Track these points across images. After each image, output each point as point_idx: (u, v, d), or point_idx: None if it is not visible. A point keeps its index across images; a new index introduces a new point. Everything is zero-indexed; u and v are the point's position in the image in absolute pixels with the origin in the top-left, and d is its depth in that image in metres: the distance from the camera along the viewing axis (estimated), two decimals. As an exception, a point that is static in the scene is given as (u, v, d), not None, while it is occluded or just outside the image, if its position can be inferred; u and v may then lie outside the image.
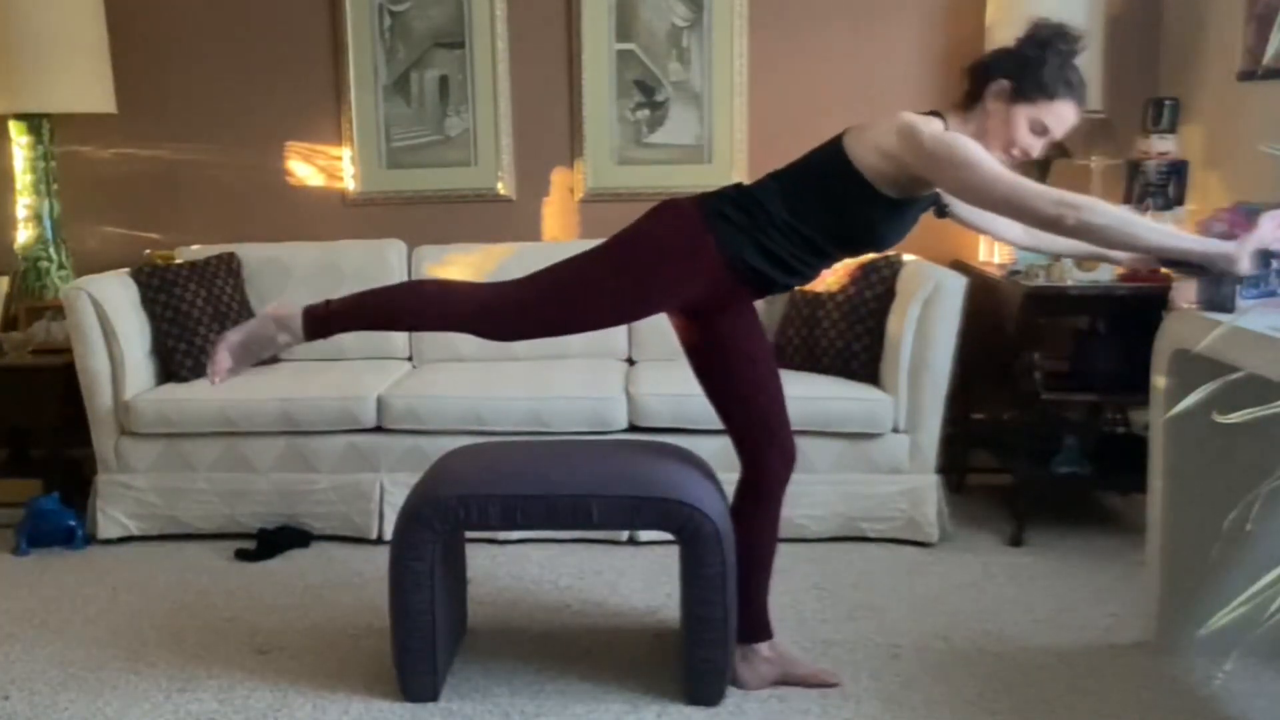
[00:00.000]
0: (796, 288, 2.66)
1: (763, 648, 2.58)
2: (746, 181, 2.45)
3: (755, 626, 2.58)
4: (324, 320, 2.44)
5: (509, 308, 2.39)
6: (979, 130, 2.28)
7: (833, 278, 3.64)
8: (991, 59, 2.32)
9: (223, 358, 2.44)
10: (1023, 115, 2.25)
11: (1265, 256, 2.15)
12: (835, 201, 2.29)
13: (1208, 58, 3.64)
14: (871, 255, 3.66)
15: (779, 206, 2.31)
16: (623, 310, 2.50)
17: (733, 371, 2.49)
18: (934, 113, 2.34)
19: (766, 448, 2.50)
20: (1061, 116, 2.26)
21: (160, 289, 3.73)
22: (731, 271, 2.34)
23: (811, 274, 2.43)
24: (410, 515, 2.47)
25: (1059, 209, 2.10)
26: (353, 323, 2.48)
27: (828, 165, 2.31)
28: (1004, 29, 3.75)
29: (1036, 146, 2.29)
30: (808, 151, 2.38)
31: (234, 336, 2.46)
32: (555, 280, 2.40)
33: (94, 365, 3.56)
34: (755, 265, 2.34)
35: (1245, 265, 2.11)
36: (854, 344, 3.54)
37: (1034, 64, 2.24)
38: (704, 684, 2.48)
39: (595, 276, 2.39)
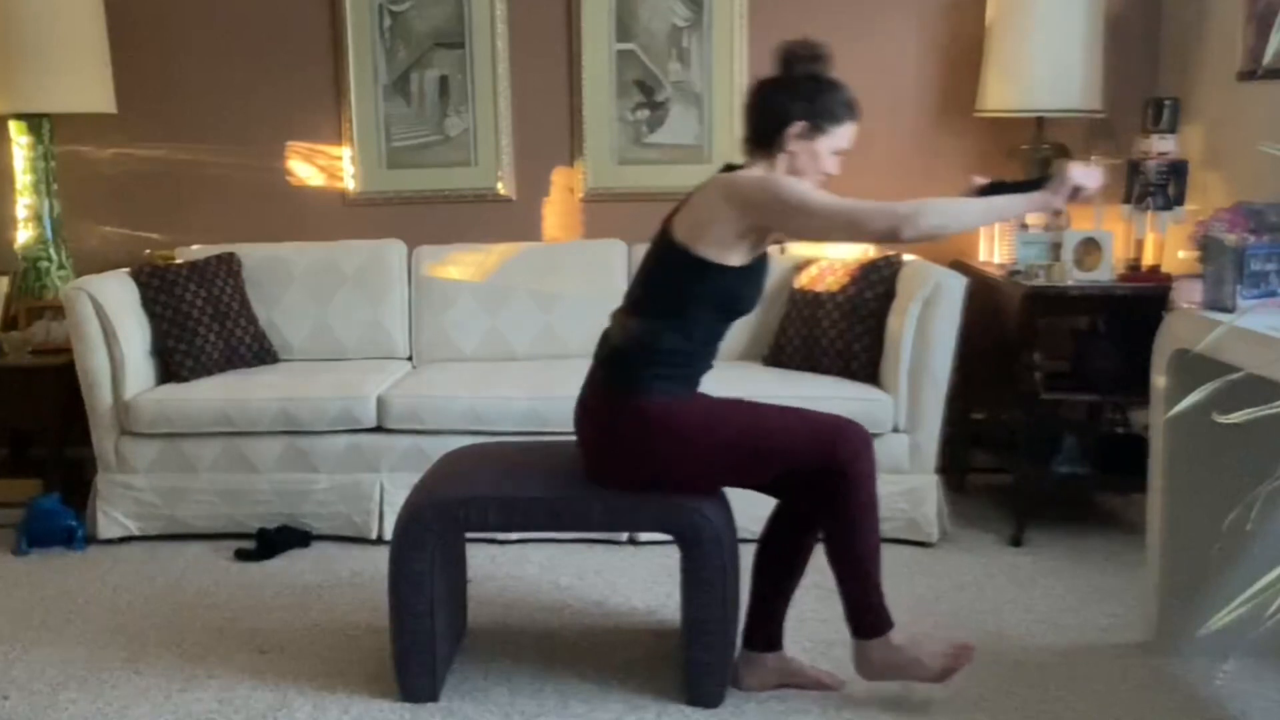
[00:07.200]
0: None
1: (769, 657, 2.56)
2: None
3: (769, 636, 2.57)
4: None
5: None
6: (790, 170, 2.38)
7: (832, 278, 3.65)
8: (779, 105, 2.38)
9: None
10: (824, 147, 2.38)
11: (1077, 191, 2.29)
12: (695, 296, 2.35)
13: (1208, 58, 3.63)
14: (871, 255, 3.70)
15: (661, 335, 2.37)
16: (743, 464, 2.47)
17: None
18: (734, 166, 2.43)
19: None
20: (851, 135, 2.42)
21: (160, 289, 3.73)
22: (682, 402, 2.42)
23: (713, 357, 2.50)
24: (410, 515, 2.47)
25: (890, 221, 2.19)
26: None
27: (672, 268, 2.37)
28: (1004, 29, 3.76)
29: (837, 165, 2.42)
30: (642, 267, 2.45)
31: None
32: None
33: (94, 365, 3.56)
34: (687, 391, 2.44)
35: (1059, 203, 2.28)
36: (854, 344, 3.54)
37: (819, 99, 2.36)
38: (703, 685, 2.47)
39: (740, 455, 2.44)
